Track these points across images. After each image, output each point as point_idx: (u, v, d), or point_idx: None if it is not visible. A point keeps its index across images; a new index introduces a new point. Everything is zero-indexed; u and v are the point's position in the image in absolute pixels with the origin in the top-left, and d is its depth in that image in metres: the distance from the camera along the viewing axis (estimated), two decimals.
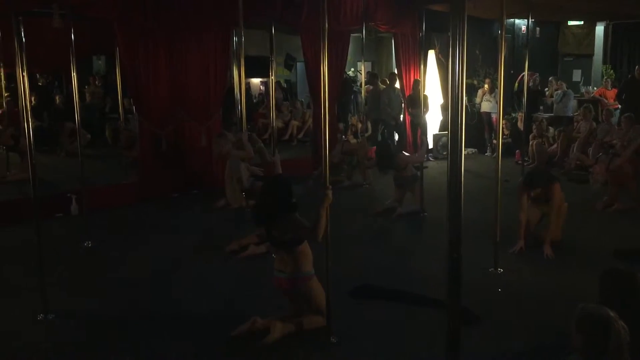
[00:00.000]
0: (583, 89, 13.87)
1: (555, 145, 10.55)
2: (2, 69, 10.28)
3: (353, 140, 10.01)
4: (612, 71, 14.36)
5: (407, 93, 11.38)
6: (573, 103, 12.02)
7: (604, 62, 14.87)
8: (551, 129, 11.16)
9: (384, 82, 12.14)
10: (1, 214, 7.03)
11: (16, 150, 9.45)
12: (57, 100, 12.28)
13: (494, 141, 10.53)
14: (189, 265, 5.70)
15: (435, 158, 11.44)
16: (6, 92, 10.81)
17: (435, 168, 10.30)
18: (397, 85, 11.53)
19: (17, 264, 5.66)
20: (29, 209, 4.62)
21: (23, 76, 4.56)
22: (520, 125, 10.88)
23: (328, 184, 3.88)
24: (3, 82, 10.73)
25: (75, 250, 6.15)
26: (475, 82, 12.66)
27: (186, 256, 5.94)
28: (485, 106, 11.90)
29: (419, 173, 7.49)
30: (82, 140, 10.99)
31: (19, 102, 8.60)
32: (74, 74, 6.43)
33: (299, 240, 3.99)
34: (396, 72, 11.79)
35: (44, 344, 4.11)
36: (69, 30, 6.58)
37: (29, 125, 4.55)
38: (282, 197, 4.07)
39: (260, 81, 15.64)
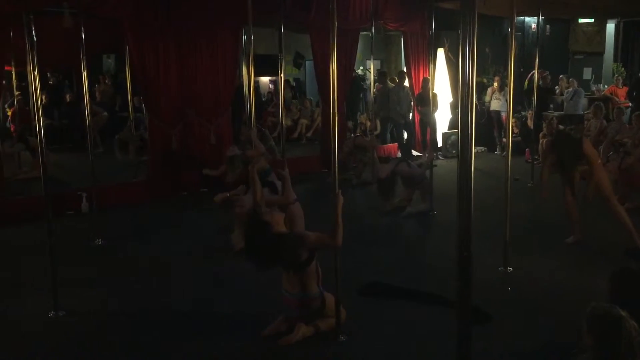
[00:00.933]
0: (594, 87, 13.79)
1: None
2: (13, 68, 10.34)
3: (364, 138, 10.02)
4: (623, 69, 14.25)
5: (416, 91, 11.37)
6: (583, 101, 11.95)
7: (615, 60, 14.77)
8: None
9: (393, 81, 12.12)
10: (13, 212, 7.09)
11: (27, 148, 9.52)
12: (68, 99, 12.36)
13: (504, 140, 10.47)
14: (198, 263, 5.72)
15: (445, 157, 11.39)
16: (17, 90, 10.89)
17: (445, 166, 10.26)
18: (407, 83, 11.51)
19: (28, 262, 5.71)
20: (40, 206, 4.66)
21: (34, 75, 4.59)
22: (530, 123, 10.83)
23: (338, 188, 3.85)
24: (14, 80, 10.80)
25: (85, 248, 6.20)
26: (485, 80, 12.61)
27: (196, 254, 5.96)
28: (495, 104, 11.85)
29: (427, 172, 7.48)
30: (101, 120, 11.02)
31: (30, 101, 8.66)
32: (84, 73, 6.47)
33: (312, 257, 3.91)
34: (405, 70, 11.78)
35: (54, 341, 4.14)
36: (79, 29, 6.62)
37: (40, 124, 4.58)
38: (267, 241, 3.86)
39: (270, 80, 15.65)
